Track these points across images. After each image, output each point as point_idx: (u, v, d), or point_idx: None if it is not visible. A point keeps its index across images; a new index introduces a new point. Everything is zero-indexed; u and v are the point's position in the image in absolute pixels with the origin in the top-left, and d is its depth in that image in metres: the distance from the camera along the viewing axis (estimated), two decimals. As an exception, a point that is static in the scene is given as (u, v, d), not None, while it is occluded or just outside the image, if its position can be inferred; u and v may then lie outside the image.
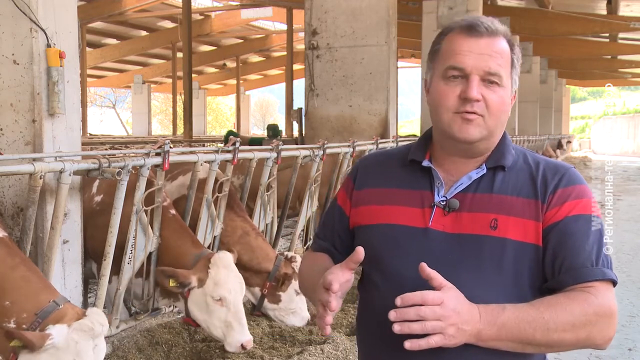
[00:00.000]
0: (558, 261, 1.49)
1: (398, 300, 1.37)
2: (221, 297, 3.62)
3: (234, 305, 3.64)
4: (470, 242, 1.51)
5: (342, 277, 1.47)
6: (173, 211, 4.10)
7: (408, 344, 1.36)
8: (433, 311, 1.35)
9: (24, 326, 2.34)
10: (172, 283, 3.64)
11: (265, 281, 4.34)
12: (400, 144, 7.82)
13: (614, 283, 1.50)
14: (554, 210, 1.51)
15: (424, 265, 1.41)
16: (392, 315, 1.37)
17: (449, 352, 1.41)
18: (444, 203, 1.56)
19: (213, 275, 3.65)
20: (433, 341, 1.36)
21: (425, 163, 1.62)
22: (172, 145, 3.94)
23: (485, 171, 1.58)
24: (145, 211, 3.80)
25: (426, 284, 1.41)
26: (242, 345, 3.61)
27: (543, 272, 1.52)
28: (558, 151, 24.93)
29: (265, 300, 4.38)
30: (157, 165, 3.78)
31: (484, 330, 1.40)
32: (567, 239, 1.49)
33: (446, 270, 1.45)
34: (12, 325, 2.35)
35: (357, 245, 1.67)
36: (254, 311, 4.50)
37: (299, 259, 4.47)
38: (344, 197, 1.74)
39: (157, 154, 3.74)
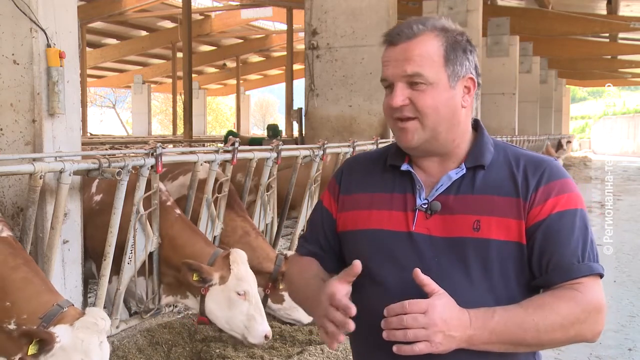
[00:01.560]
0: (545, 259, 1.49)
1: (385, 311, 1.41)
2: (245, 291, 3.73)
3: (254, 298, 3.77)
4: (454, 245, 1.52)
5: (342, 291, 1.49)
6: (178, 211, 4.12)
7: (395, 348, 1.39)
8: (415, 319, 1.37)
9: (24, 327, 2.30)
10: (195, 277, 3.72)
11: (267, 281, 4.35)
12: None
13: (601, 276, 1.50)
14: (537, 208, 1.50)
15: (417, 271, 1.42)
16: (382, 324, 1.41)
17: (437, 355, 1.42)
18: (426, 206, 1.56)
19: (236, 272, 3.75)
20: (418, 348, 1.38)
21: (404, 167, 1.62)
22: (164, 146, 3.94)
23: (464, 171, 1.57)
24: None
25: (412, 288, 1.42)
26: (265, 335, 3.72)
27: (530, 269, 1.52)
28: (559, 152, 24.88)
29: (269, 300, 4.40)
30: (151, 167, 3.78)
31: (475, 336, 1.41)
32: (552, 236, 1.49)
33: (433, 274, 1.46)
34: (12, 326, 2.33)
35: (345, 251, 1.70)
36: None
37: None
38: (330, 199, 1.74)
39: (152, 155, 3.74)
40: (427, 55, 1.51)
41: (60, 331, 2.26)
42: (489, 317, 1.42)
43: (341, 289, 1.48)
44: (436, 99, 1.52)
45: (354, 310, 1.43)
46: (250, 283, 3.79)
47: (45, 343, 2.21)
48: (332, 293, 1.47)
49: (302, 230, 6.14)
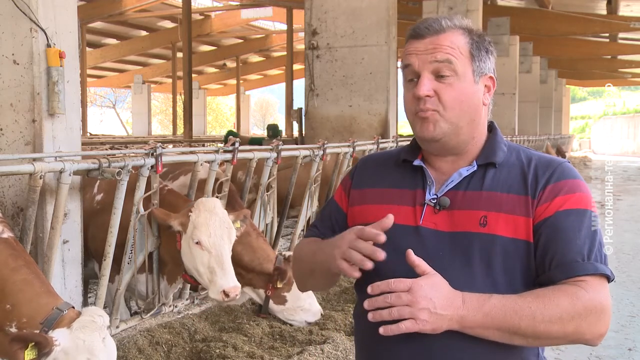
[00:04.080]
0: (549, 256, 1.48)
1: (369, 289, 1.41)
2: (199, 240, 3.58)
3: (215, 249, 3.58)
4: (460, 240, 1.52)
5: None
6: (168, 187, 4.15)
7: (382, 330, 1.39)
8: (399, 297, 1.38)
9: (16, 332, 2.28)
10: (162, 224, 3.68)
11: (268, 283, 4.35)
12: (400, 143, 7.83)
13: (609, 279, 1.48)
14: (544, 205, 1.50)
15: (410, 252, 1.43)
16: (366, 304, 1.41)
17: (436, 345, 1.43)
18: (435, 201, 1.57)
19: (193, 219, 3.62)
20: (404, 326, 1.38)
21: (417, 162, 1.63)
22: (164, 146, 3.94)
23: (475, 168, 1.58)
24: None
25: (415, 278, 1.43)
26: (224, 291, 3.51)
27: (535, 268, 1.51)
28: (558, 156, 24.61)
29: (271, 302, 4.40)
30: (152, 167, 3.78)
31: (467, 317, 1.41)
32: (557, 233, 1.48)
33: (437, 268, 1.46)
34: (14, 330, 2.29)
35: None
36: (260, 313, 4.52)
37: None
38: (341, 194, 1.76)
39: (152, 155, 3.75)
40: (456, 47, 1.54)
41: (58, 335, 2.22)
42: (484, 300, 1.41)
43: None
44: (461, 93, 1.53)
45: (383, 237, 1.43)
46: (209, 232, 3.58)
47: (42, 346, 2.16)
48: (360, 227, 1.47)
49: (302, 230, 6.14)
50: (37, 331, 2.24)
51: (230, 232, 3.70)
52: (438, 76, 1.52)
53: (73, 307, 2.41)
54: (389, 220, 1.46)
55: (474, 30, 1.59)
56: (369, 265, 1.44)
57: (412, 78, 1.56)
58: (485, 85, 1.59)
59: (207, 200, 3.75)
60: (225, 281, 3.52)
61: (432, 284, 1.40)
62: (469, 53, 1.55)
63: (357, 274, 1.47)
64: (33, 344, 2.15)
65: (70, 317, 2.30)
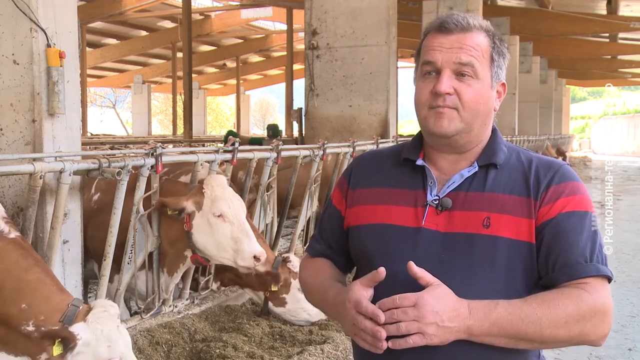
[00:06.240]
0: (552, 258, 1.49)
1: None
2: (221, 212, 3.64)
3: (236, 219, 3.66)
4: (462, 241, 1.52)
5: (366, 297, 1.47)
6: (165, 177, 4.17)
7: (390, 343, 1.40)
8: (405, 312, 1.38)
9: (42, 329, 2.36)
10: (170, 212, 3.70)
11: (266, 285, 4.36)
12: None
13: (609, 279, 1.50)
14: (547, 207, 1.51)
15: (411, 264, 1.43)
16: None
17: (440, 349, 1.42)
18: (437, 202, 1.56)
19: (209, 194, 3.68)
20: (412, 341, 1.38)
21: (419, 162, 1.63)
22: (164, 146, 3.95)
23: (477, 169, 1.58)
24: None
25: (418, 283, 1.43)
26: (254, 256, 3.61)
27: (537, 269, 1.52)
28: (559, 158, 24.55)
29: (272, 304, 4.41)
30: (152, 167, 3.78)
31: (474, 326, 1.41)
32: (560, 235, 1.49)
33: (439, 270, 1.46)
34: (31, 328, 2.35)
35: (351, 246, 1.70)
36: (261, 314, 4.53)
37: (293, 258, 4.50)
38: (339, 198, 1.74)
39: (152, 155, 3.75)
40: (480, 49, 1.54)
41: (78, 329, 2.32)
42: (490, 309, 1.42)
43: (365, 294, 1.47)
44: (479, 95, 1.54)
45: (382, 317, 1.41)
46: (228, 204, 3.66)
47: (68, 341, 2.28)
48: (357, 300, 1.45)
49: (302, 230, 6.15)
50: (57, 328, 2.33)
51: (242, 204, 3.79)
52: (459, 74, 1.53)
53: (84, 302, 2.49)
54: (381, 273, 1.44)
55: (496, 33, 1.60)
56: (384, 346, 1.40)
57: (431, 71, 1.55)
58: (497, 91, 1.60)
59: (216, 177, 3.81)
60: (253, 247, 3.62)
61: (437, 296, 1.39)
62: (490, 57, 1.56)
63: (381, 351, 1.42)
64: (60, 339, 2.28)
65: (84, 312, 2.40)
